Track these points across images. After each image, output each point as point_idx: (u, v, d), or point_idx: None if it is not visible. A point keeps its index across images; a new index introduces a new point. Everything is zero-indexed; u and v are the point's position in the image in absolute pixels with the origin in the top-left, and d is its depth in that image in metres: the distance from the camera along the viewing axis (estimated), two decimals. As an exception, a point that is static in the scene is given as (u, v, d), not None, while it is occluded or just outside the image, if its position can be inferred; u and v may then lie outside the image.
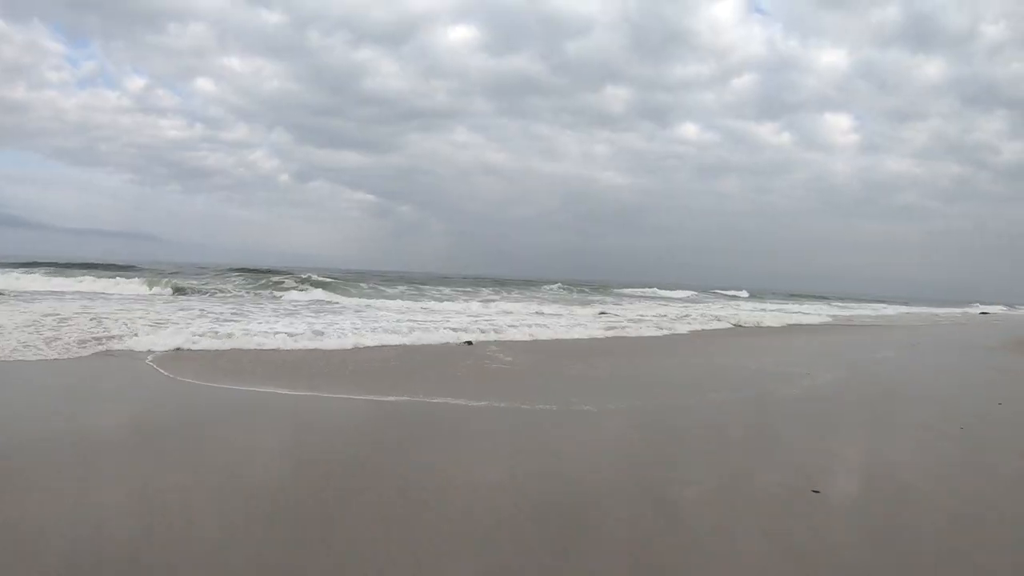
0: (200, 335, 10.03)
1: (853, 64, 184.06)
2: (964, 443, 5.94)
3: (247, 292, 23.29)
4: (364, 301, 21.42)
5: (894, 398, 8.48)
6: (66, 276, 24.65)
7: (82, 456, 4.46)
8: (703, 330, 17.79)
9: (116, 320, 11.51)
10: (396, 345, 10.83)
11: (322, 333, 11.11)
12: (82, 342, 9.20)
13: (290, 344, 10.05)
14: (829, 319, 28.07)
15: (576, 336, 14.03)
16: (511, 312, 19.25)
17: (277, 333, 10.62)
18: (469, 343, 11.53)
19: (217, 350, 9.38)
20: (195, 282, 25.62)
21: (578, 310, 22.19)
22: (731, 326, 19.78)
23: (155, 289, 22.05)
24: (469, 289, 34.05)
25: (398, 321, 13.91)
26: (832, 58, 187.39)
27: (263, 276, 30.03)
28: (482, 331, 12.89)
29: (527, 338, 12.94)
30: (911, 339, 15.35)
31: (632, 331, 15.81)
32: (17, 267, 28.14)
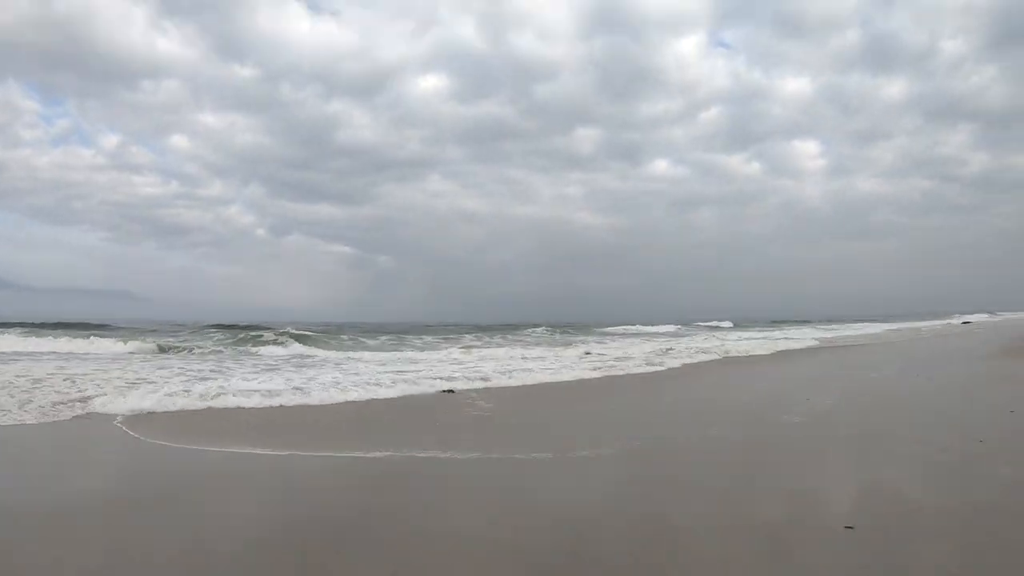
0: (174, 394, 9.69)
1: (816, 90, 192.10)
2: (989, 460, 5.77)
3: (225, 348, 23.02)
4: (344, 354, 21.08)
5: (904, 419, 8.26)
6: (39, 336, 24.33)
7: (29, 528, 4.10)
8: (693, 363, 17.61)
9: (93, 380, 11.27)
10: (381, 399, 10.50)
11: (301, 388, 10.75)
12: (55, 404, 9.00)
13: (268, 401, 9.67)
14: (815, 342, 28.17)
15: (563, 379, 13.78)
16: (495, 358, 18.96)
17: (253, 392, 10.22)
18: (451, 391, 11.22)
19: (193, 409, 9.02)
20: (172, 339, 25.24)
21: (563, 352, 21.98)
22: (720, 357, 19.68)
23: (131, 346, 21.85)
24: (451, 336, 33.70)
25: (380, 373, 13.57)
26: (796, 86, 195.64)
27: (242, 331, 29.51)
28: (468, 379, 12.59)
29: (514, 383, 12.67)
30: (916, 369, 15.29)
31: (619, 369, 15.61)
32: (-10, 328, 27.47)
